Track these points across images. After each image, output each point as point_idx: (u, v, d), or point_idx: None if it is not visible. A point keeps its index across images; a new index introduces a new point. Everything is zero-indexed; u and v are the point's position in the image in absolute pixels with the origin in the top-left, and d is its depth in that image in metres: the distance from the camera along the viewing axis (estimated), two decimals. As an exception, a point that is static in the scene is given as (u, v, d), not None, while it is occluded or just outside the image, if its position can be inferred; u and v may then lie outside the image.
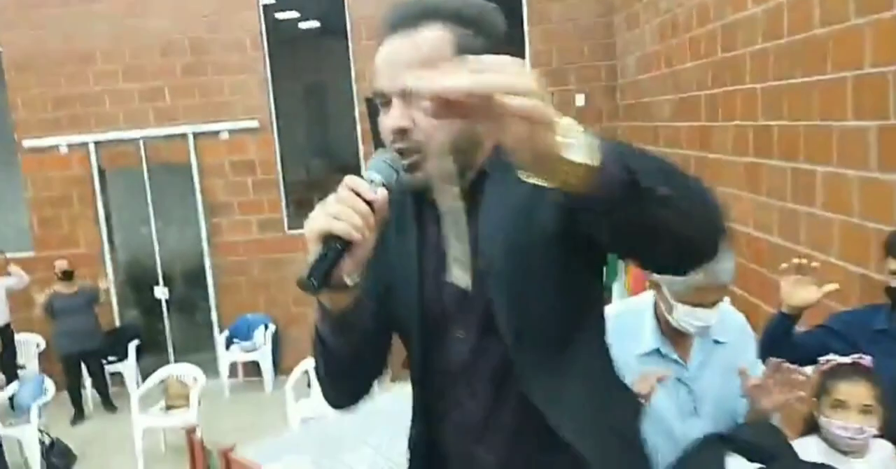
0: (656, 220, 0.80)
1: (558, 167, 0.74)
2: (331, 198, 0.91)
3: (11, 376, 5.78)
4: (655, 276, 1.73)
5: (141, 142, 6.45)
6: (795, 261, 2.05)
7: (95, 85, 6.47)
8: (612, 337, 1.66)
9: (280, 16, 6.67)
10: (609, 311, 1.60)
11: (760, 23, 3.35)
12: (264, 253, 6.50)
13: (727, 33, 3.74)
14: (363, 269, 0.96)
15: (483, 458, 1.13)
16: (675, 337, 1.75)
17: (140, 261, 6.71)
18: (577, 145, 0.74)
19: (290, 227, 6.55)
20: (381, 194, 0.92)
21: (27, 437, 4.83)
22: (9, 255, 6.27)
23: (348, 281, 0.94)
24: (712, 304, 1.64)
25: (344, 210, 0.89)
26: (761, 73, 3.39)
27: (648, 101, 5.35)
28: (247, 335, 6.34)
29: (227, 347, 6.31)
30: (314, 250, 0.89)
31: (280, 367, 6.36)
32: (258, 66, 6.44)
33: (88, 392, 6.08)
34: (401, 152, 0.99)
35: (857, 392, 1.70)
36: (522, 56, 6.36)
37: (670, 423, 1.73)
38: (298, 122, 6.99)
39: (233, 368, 6.41)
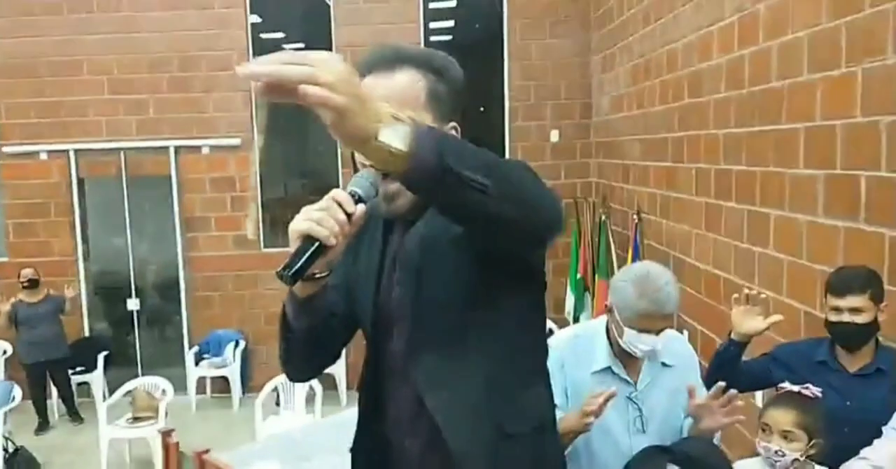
0: (474, 203, 0.94)
1: (372, 149, 0.89)
2: (316, 204, 1.06)
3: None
4: (609, 301, 1.89)
5: (122, 153, 6.52)
6: (746, 291, 2.23)
7: (81, 94, 6.54)
8: (569, 356, 1.84)
9: (266, 36, 6.82)
10: (567, 332, 1.77)
11: (724, 72, 3.57)
12: (238, 269, 6.57)
13: (694, 80, 3.97)
14: (333, 266, 1.14)
15: (409, 449, 1.29)
16: (626, 358, 1.91)
17: (113, 272, 6.72)
18: (391, 132, 0.89)
19: (265, 245, 6.64)
20: (359, 209, 1.07)
21: (-10, 443, 4.81)
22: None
23: (317, 275, 1.11)
24: (658, 332, 1.80)
25: (325, 217, 1.03)
26: (723, 120, 3.61)
27: (620, 140, 5.58)
28: (217, 351, 6.37)
29: (197, 363, 6.32)
30: (293, 247, 1.04)
31: (249, 385, 6.40)
32: (243, 85, 6.56)
33: (54, 402, 6.05)
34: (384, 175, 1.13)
35: (780, 418, 1.86)
36: (482, 100, 6.59)
37: (619, 437, 1.88)
38: (279, 141, 7.11)
39: (201, 384, 6.42)
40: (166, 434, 2.87)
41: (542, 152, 6.54)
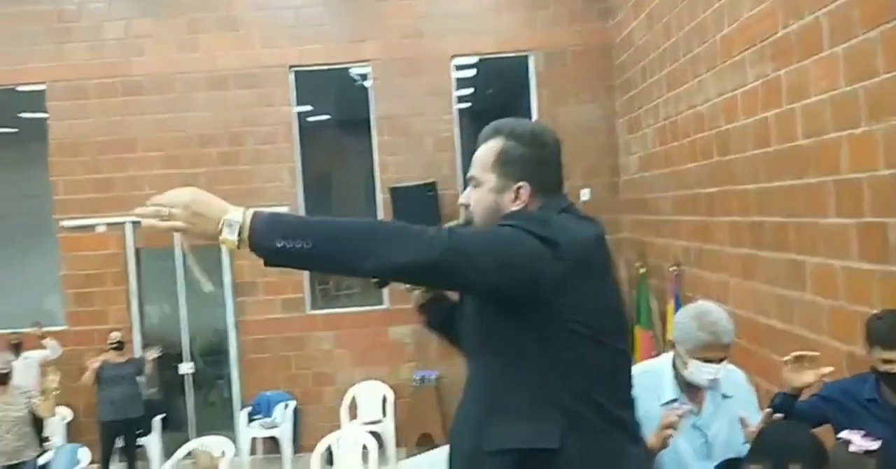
0: (306, 262, 1.40)
1: (222, 242, 1.31)
2: None
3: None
4: (672, 337, 2.15)
5: (176, 224, 6.87)
6: (796, 354, 2.39)
7: (136, 170, 6.97)
8: (638, 390, 2.12)
9: (308, 109, 7.27)
10: (635, 369, 2.06)
11: (751, 132, 3.87)
12: (286, 332, 6.82)
13: (721, 140, 4.27)
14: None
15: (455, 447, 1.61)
16: (690, 390, 2.15)
17: (166, 337, 7.00)
18: (227, 231, 1.30)
19: (311, 308, 6.91)
20: None
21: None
22: (43, 329, 6.58)
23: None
24: (719, 361, 2.07)
25: None
26: (753, 176, 3.88)
27: (650, 197, 5.86)
28: (267, 412, 6.56)
29: (248, 423, 6.51)
30: None
31: (299, 444, 6.55)
32: (288, 157, 6.99)
33: (114, 466, 6.23)
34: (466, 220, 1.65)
35: None
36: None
37: (688, 462, 2.11)
38: (324, 208, 7.47)
39: (252, 444, 6.58)
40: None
41: (573, 211, 6.81)
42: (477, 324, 1.54)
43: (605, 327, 1.49)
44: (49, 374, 5.31)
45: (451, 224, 1.63)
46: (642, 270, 5.62)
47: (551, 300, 1.42)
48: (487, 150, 1.58)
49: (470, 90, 7.60)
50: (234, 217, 1.29)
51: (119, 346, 6.23)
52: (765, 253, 3.83)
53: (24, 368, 6.00)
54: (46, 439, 6.26)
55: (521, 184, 1.56)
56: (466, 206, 1.61)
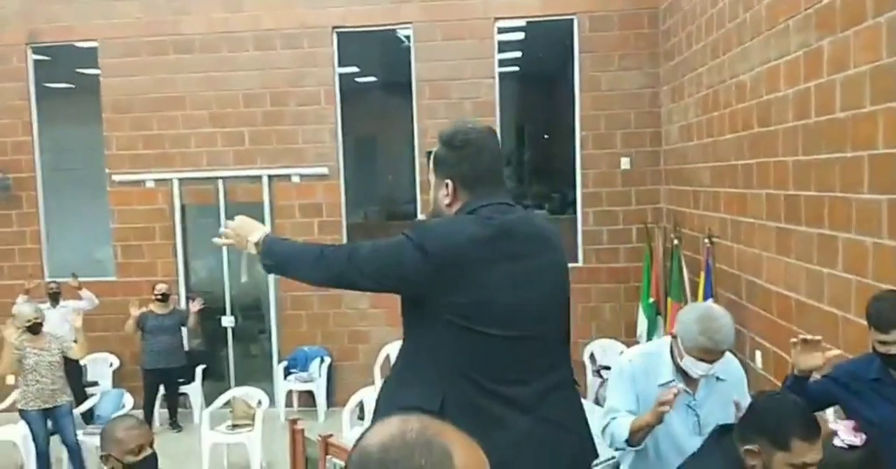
0: (276, 273, 2.10)
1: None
2: None
3: (79, 394, 6.20)
4: (674, 330, 2.30)
5: (220, 181, 7.09)
6: (801, 337, 2.39)
7: (183, 128, 7.16)
8: (639, 370, 2.30)
9: (346, 71, 7.30)
10: (638, 349, 2.31)
11: (791, 104, 3.78)
12: (324, 289, 6.97)
13: (762, 111, 4.18)
14: None
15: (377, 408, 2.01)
16: (686, 374, 2.26)
17: (210, 291, 7.26)
18: (253, 247, 1.98)
19: (348, 267, 7.04)
20: None
21: (104, 445, 5.29)
22: (94, 279, 6.89)
23: None
24: (712, 361, 2.20)
25: None
26: (792, 148, 3.80)
27: (690, 167, 5.77)
28: (304, 366, 6.79)
29: (285, 377, 6.75)
30: None
31: (333, 399, 6.78)
32: (330, 118, 7.07)
33: (157, 411, 6.57)
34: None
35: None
36: (548, 128, 6.89)
37: (681, 439, 2.28)
38: (361, 170, 7.57)
39: (288, 397, 6.84)
40: (293, 422, 3.25)
41: (612, 179, 6.78)
42: (401, 312, 1.95)
43: (480, 318, 1.76)
44: (73, 316, 5.54)
45: (420, 217, 2.02)
46: (675, 242, 5.57)
47: (428, 296, 1.79)
48: (434, 153, 1.95)
49: (517, 54, 7.52)
50: (255, 240, 1.97)
51: (163, 297, 6.51)
52: (800, 227, 3.77)
53: (61, 317, 6.28)
54: (94, 384, 6.64)
55: (446, 181, 1.88)
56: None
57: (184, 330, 6.66)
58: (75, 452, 5.21)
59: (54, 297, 6.51)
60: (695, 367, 2.23)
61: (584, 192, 6.86)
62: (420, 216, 1.76)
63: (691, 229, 5.70)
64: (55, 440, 5.28)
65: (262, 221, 7.01)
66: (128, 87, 7.19)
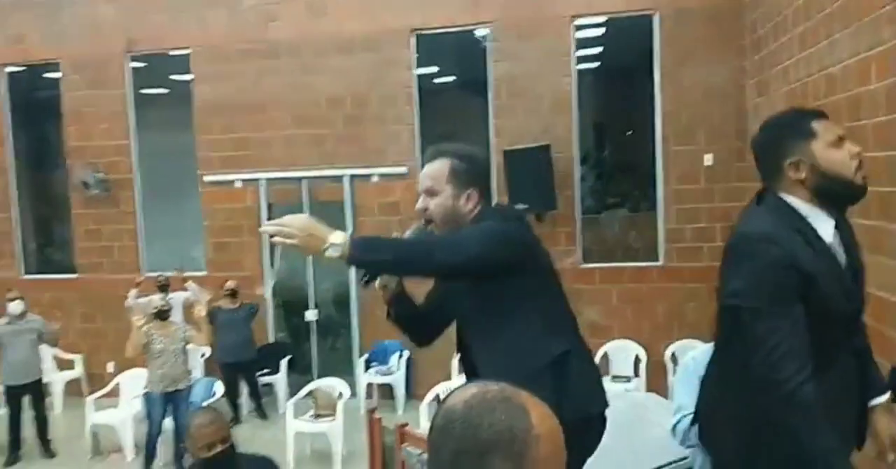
0: (388, 268, 1.96)
1: (324, 259, 1.77)
2: None
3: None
4: None
5: (304, 181, 7.34)
6: None
7: (269, 130, 7.45)
8: (703, 368, 2.26)
9: (426, 71, 7.41)
10: (706, 347, 2.26)
11: (883, 97, 3.63)
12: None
13: (852, 105, 4.02)
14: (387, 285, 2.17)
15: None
16: None
17: (295, 286, 7.54)
18: (332, 250, 1.75)
19: (426, 265, 7.16)
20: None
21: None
22: (187, 274, 7.27)
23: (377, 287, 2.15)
24: None
25: None
26: (883, 144, 3.65)
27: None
28: (383, 360, 6.97)
29: (365, 370, 6.95)
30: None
31: (411, 393, 6.92)
32: (408, 119, 7.21)
33: (244, 400, 6.87)
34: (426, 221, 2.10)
35: None
36: (629, 124, 6.79)
37: None
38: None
39: (368, 389, 7.03)
40: (372, 412, 3.38)
41: (695, 176, 6.63)
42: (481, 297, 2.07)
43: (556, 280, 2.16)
44: (196, 306, 5.87)
45: (414, 227, 2.12)
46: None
47: (531, 262, 2.03)
48: (439, 167, 2.09)
49: (597, 49, 7.45)
50: (338, 240, 1.76)
51: (233, 293, 6.79)
52: (891, 225, 3.62)
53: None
54: (188, 372, 6.99)
55: (470, 191, 2.08)
56: (425, 210, 2.09)
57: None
58: (184, 435, 5.52)
59: (163, 289, 6.91)
60: None
61: (666, 190, 6.75)
62: (410, 231, 1.74)
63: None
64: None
65: (344, 220, 7.31)
66: (218, 92, 7.54)
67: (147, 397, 5.55)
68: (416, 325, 2.29)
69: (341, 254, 1.74)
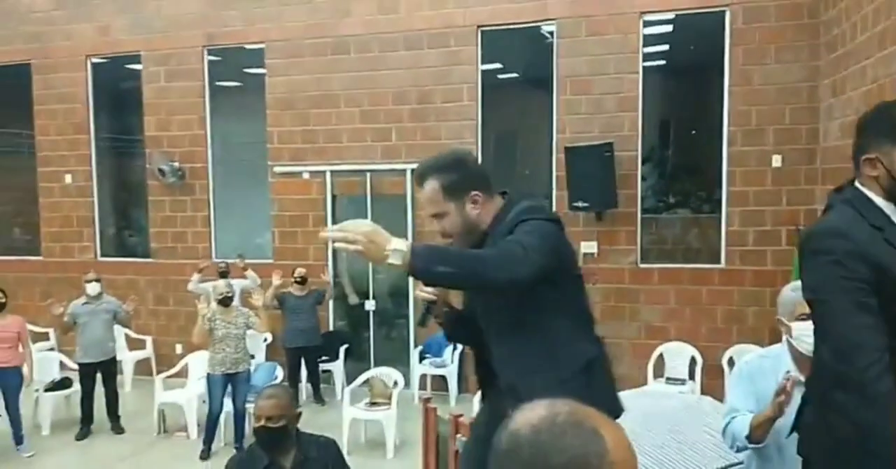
0: (451, 281, 1.82)
1: (385, 266, 1.72)
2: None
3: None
4: (777, 316, 2.32)
5: (368, 174, 7.50)
6: None
7: (337, 124, 7.64)
8: (756, 371, 2.26)
9: (489, 67, 7.44)
10: (757, 352, 2.28)
11: (963, 99, 3.48)
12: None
13: (930, 107, 3.86)
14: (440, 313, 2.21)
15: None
16: (805, 370, 2.16)
17: (355, 277, 7.71)
18: (394, 257, 1.70)
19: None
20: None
21: (259, 412, 5.82)
22: (254, 261, 7.53)
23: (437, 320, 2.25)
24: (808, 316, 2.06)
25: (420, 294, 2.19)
26: (961, 147, 3.50)
27: (849, 167, 5.39)
28: (438, 352, 7.06)
29: (420, 361, 7.06)
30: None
31: (464, 385, 7.00)
32: (471, 114, 7.27)
33: (303, 385, 7.09)
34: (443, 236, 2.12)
35: None
36: (695, 124, 6.65)
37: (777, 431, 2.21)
38: (500, 165, 7.71)
39: (422, 380, 7.14)
40: (426, 401, 3.48)
41: (762, 178, 6.48)
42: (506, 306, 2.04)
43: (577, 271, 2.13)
44: (254, 295, 6.09)
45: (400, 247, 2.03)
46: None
47: (566, 262, 2.04)
48: (430, 190, 2.04)
49: (664, 47, 7.34)
50: (400, 247, 1.72)
51: (302, 280, 7.00)
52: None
53: None
54: (251, 357, 7.25)
55: (472, 194, 2.04)
56: (443, 233, 2.09)
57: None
58: (241, 416, 5.77)
59: (223, 276, 7.18)
60: (801, 332, 2.14)
61: (731, 191, 6.62)
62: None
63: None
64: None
65: (405, 214, 7.43)
66: (289, 85, 7.77)
67: (209, 379, 5.79)
68: (475, 339, 2.22)
69: (402, 260, 1.70)
